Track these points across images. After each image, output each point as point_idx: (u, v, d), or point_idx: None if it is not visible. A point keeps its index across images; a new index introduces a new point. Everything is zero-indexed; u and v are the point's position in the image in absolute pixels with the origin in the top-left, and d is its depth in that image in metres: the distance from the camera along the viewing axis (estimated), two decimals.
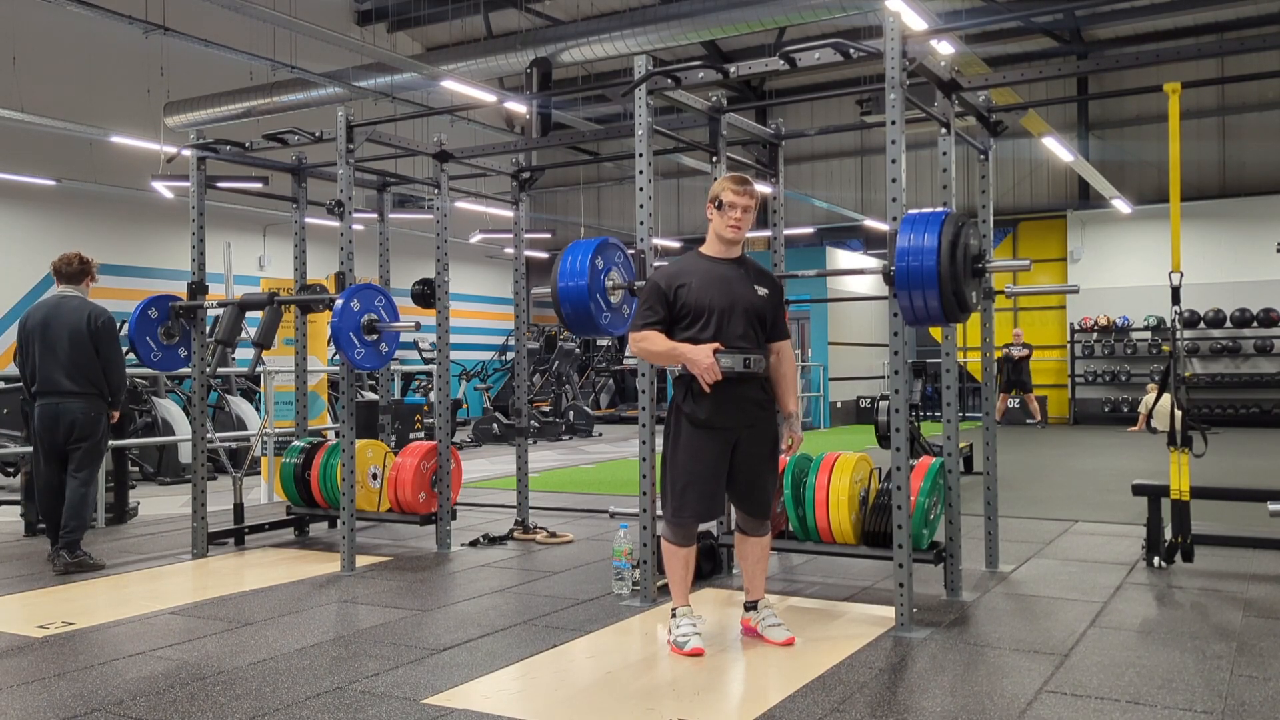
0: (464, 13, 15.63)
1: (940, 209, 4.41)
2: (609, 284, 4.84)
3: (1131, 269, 16.94)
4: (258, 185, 7.25)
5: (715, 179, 5.27)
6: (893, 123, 4.19)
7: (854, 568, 5.29)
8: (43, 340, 5.58)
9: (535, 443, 14.03)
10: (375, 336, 5.59)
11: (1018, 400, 16.23)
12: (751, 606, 4.12)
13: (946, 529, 4.80)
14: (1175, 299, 4.88)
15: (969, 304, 4.14)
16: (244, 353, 11.89)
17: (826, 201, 18.06)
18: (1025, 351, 15.79)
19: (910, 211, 4.13)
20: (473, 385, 17.81)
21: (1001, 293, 5.32)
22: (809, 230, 19.77)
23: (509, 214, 7.24)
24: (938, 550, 4.70)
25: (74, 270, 5.85)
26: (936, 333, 5.11)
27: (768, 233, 5.73)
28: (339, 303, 5.40)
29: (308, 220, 6.95)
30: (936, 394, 5.57)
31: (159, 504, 8.30)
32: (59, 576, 5.40)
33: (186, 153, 6.26)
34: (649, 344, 3.94)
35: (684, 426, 3.94)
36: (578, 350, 17.88)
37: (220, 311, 6.33)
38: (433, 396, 13.35)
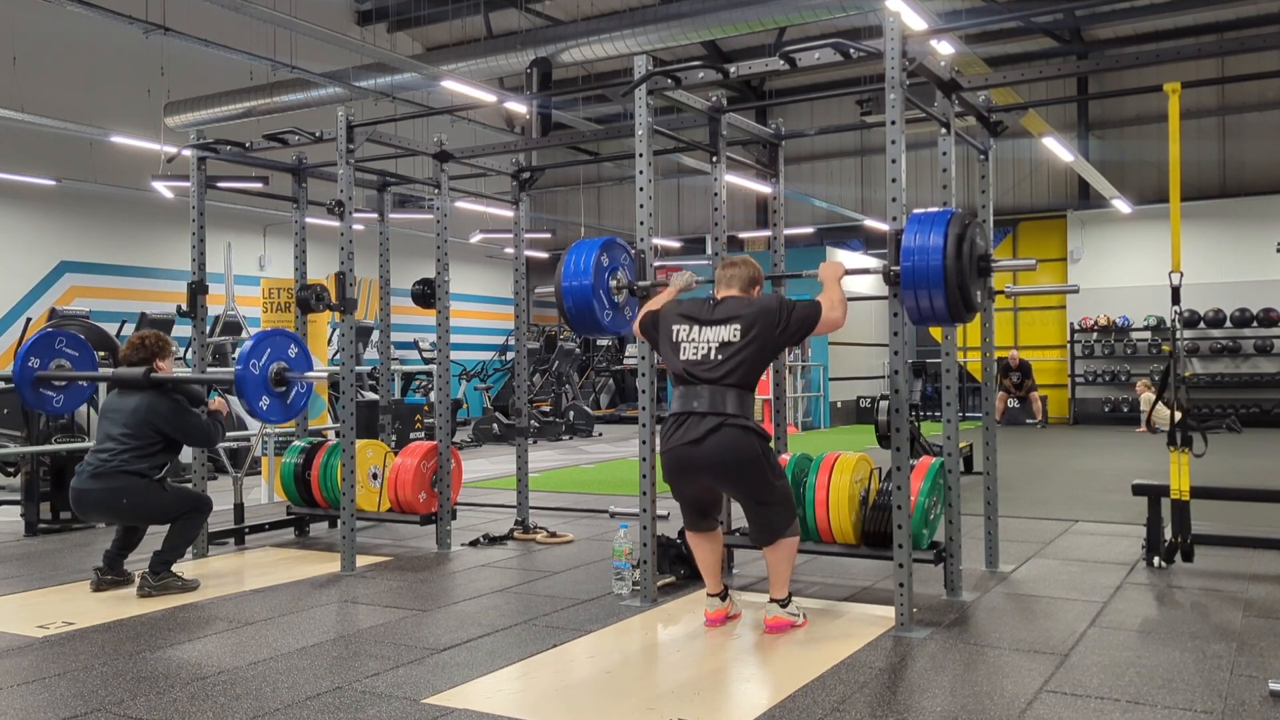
0: (464, 13, 15.63)
1: (945, 208, 4.42)
2: (613, 283, 4.82)
3: (1131, 269, 16.94)
4: (258, 185, 7.25)
5: (715, 179, 5.31)
6: (893, 123, 4.19)
7: (854, 568, 5.29)
8: (102, 423, 5.15)
9: (535, 443, 14.03)
10: (284, 388, 5.24)
11: (1018, 400, 16.24)
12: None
13: (946, 529, 4.80)
14: (1175, 299, 4.88)
15: (975, 303, 4.15)
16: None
17: (826, 201, 18.06)
18: (1028, 387, 15.95)
19: (915, 210, 4.13)
20: (473, 385, 17.81)
21: (1002, 293, 5.32)
22: (809, 230, 19.77)
23: (509, 214, 7.24)
24: (938, 550, 4.70)
25: (134, 359, 5.22)
26: (936, 333, 5.11)
27: (768, 233, 5.73)
28: (245, 347, 5.11)
29: (308, 220, 6.95)
30: (936, 394, 5.57)
31: None
32: (141, 597, 4.91)
33: (186, 153, 6.26)
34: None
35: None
36: (578, 350, 17.88)
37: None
38: (433, 396, 13.35)
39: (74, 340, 5.77)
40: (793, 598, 4.27)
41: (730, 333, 4.06)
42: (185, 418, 5.19)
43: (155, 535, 5.12)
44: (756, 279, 4.30)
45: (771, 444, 4.33)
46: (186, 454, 8.30)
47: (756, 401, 4.30)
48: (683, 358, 4.12)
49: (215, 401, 5.51)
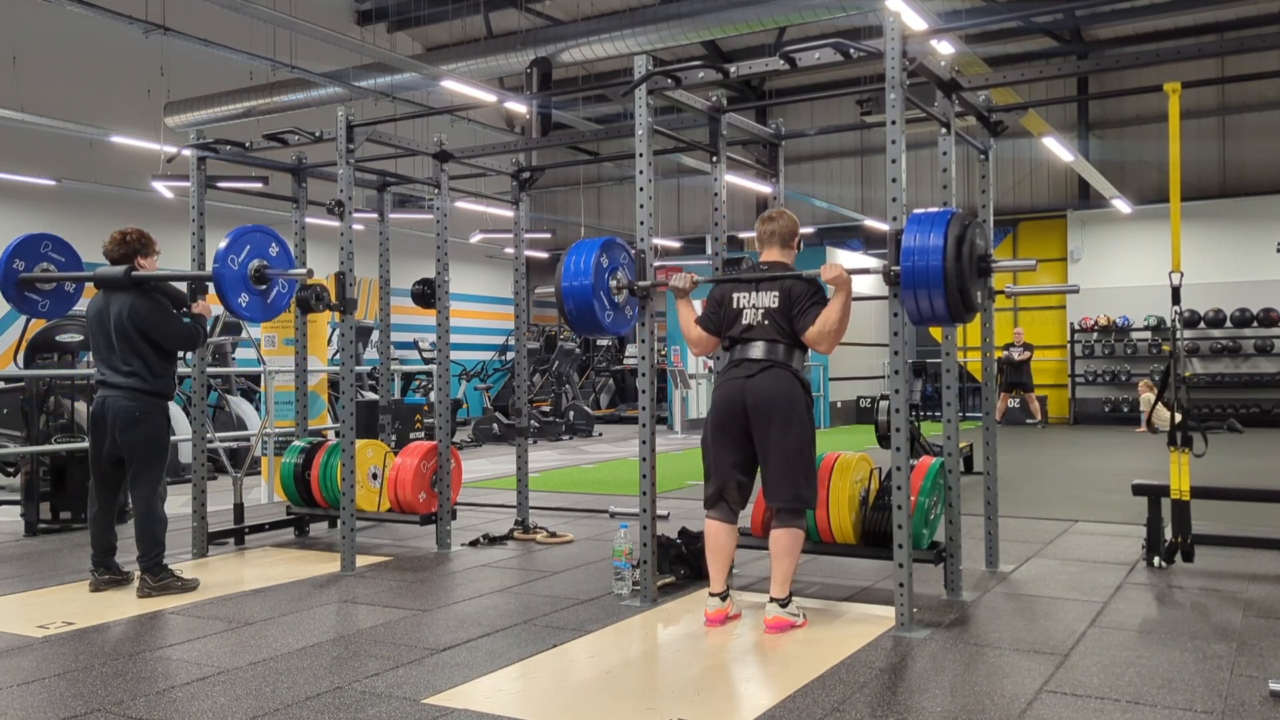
0: (464, 13, 15.62)
1: (946, 208, 4.42)
2: (613, 284, 4.81)
3: (1131, 269, 16.93)
4: (258, 185, 7.24)
5: (715, 179, 5.31)
6: (893, 123, 4.19)
7: (854, 568, 5.29)
8: (94, 332, 5.15)
9: (535, 443, 14.03)
10: (264, 286, 5.18)
11: (1018, 400, 16.23)
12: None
13: (946, 529, 4.80)
14: (1175, 299, 4.88)
15: (975, 304, 4.15)
16: (245, 353, 11.90)
17: (827, 201, 18.04)
18: (1027, 354, 15.81)
19: (915, 211, 4.14)
20: (473, 385, 17.81)
21: (1002, 293, 5.32)
22: (809, 230, 19.75)
23: (509, 214, 7.24)
24: (938, 550, 4.70)
25: (115, 255, 5.16)
26: (937, 333, 5.11)
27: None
28: (222, 244, 5.02)
29: (308, 220, 6.95)
30: (936, 394, 5.57)
31: None
32: (141, 598, 4.88)
33: (186, 153, 6.26)
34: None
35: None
36: (578, 350, 17.88)
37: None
38: (433, 396, 13.35)
39: (60, 244, 5.73)
40: (793, 598, 4.27)
41: (771, 299, 4.34)
42: (166, 319, 5.10)
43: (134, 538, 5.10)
44: (795, 230, 4.61)
45: (813, 405, 4.50)
46: (186, 452, 8.27)
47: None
48: (743, 322, 4.38)
49: (199, 304, 5.36)
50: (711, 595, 4.34)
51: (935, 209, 4.22)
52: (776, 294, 4.33)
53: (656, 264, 4.90)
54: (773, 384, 4.22)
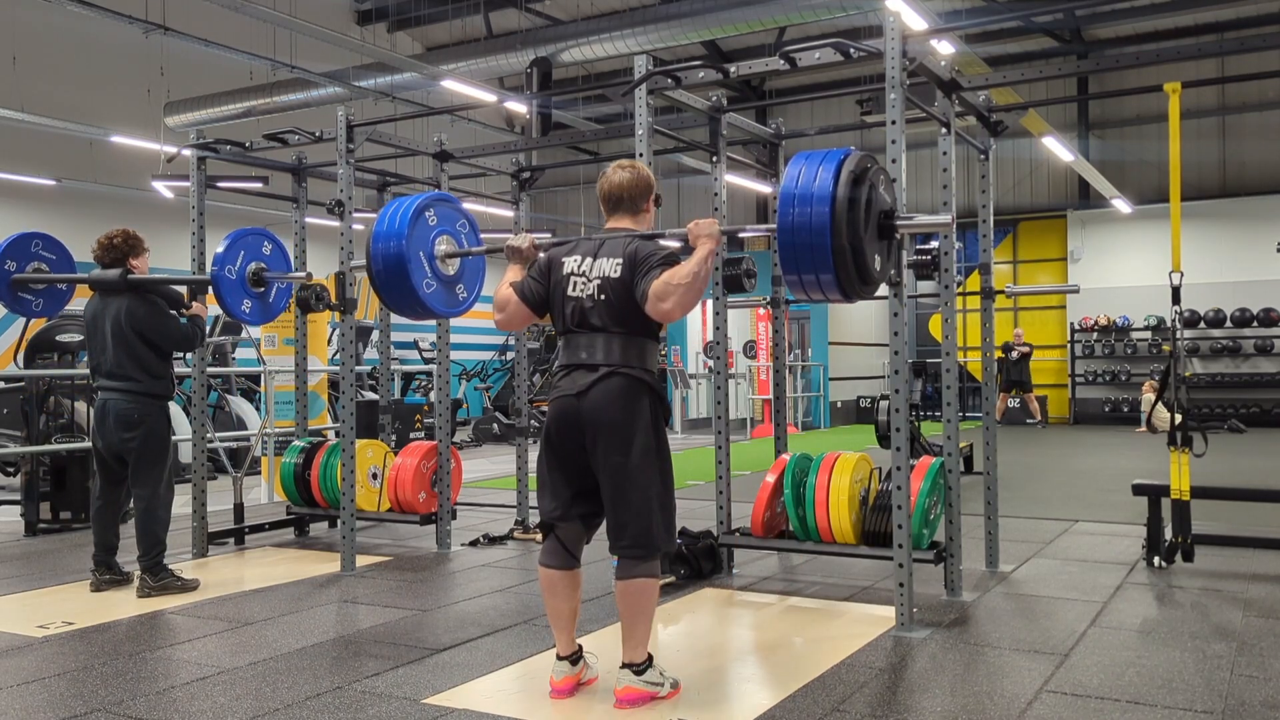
0: (464, 13, 15.63)
1: (844, 147, 3.49)
2: (441, 249, 4.16)
3: (1131, 269, 16.94)
4: (258, 185, 7.24)
5: (715, 179, 5.31)
6: (893, 123, 4.19)
7: (854, 568, 5.29)
8: (91, 334, 5.16)
9: (535, 442, 14.00)
10: (263, 288, 5.14)
11: (1018, 400, 16.23)
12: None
13: (946, 529, 4.80)
14: (1175, 299, 4.88)
15: (871, 273, 3.30)
16: (245, 352, 11.90)
17: None
18: (1026, 349, 15.83)
19: (801, 152, 3.46)
20: (473, 385, 17.81)
21: (1002, 292, 5.33)
22: None
23: (509, 214, 7.25)
24: (938, 550, 4.70)
25: (106, 260, 5.16)
26: (937, 332, 5.11)
27: (769, 229, 5.74)
28: (219, 249, 5.00)
29: (308, 220, 6.95)
30: (936, 394, 5.57)
31: None
32: (141, 598, 4.88)
33: (186, 152, 6.26)
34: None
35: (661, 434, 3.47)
36: None
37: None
38: (433, 396, 13.35)
39: (51, 243, 5.73)
40: (652, 663, 3.37)
41: (612, 266, 3.34)
42: (164, 320, 5.11)
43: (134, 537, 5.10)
44: (648, 188, 3.61)
45: (669, 417, 3.57)
46: (186, 452, 8.28)
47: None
48: (571, 293, 3.37)
49: (196, 305, 5.36)
50: (558, 659, 3.45)
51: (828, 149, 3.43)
52: (620, 262, 3.30)
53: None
54: (609, 399, 3.28)
